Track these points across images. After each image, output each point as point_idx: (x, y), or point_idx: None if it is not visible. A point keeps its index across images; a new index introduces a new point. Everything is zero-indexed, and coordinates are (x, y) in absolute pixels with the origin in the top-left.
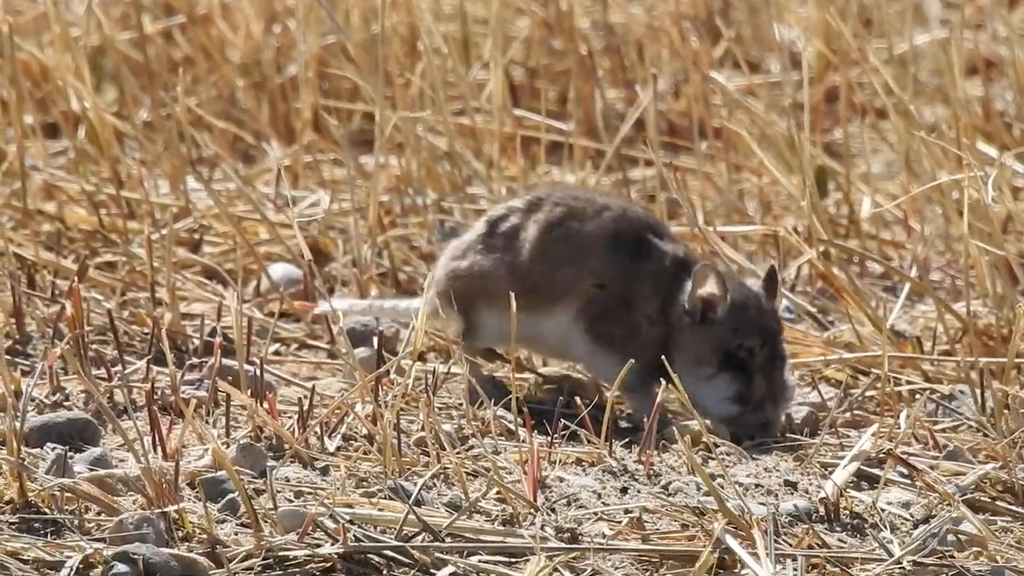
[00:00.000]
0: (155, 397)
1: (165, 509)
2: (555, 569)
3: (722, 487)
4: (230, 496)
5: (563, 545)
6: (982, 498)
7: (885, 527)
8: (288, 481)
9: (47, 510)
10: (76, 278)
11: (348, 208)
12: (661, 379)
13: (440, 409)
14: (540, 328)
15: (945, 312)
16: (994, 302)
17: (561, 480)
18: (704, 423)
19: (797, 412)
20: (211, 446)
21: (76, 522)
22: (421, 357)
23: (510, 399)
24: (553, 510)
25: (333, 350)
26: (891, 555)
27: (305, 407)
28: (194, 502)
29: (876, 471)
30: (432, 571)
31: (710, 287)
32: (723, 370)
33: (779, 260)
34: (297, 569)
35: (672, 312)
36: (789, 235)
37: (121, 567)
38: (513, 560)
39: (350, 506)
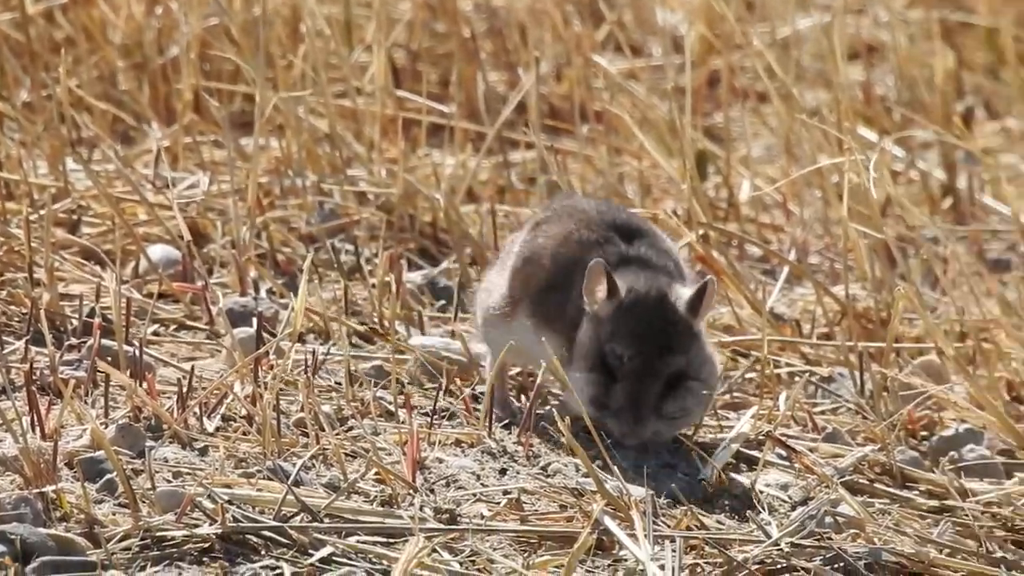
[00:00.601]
0: (33, 377)
1: (43, 489)
2: (433, 550)
3: (601, 468)
4: (108, 476)
5: (442, 526)
6: (860, 480)
7: (763, 509)
8: (167, 461)
9: None
10: None
11: (227, 189)
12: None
13: (319, 390)
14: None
15: (824, 295)
16: (873, 285)
17: (440, 461)
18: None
19: None
20: (90, 426)
21: None
22: (300, 338)
23: (389, 380)
24: (432, 491)
25: (212, 331)
26: (769, 537)
27: (184, 388)
28: (72, 482)
29: (755, 453)
30: (310, 552)
31: (598, 284)
32: (592, 370)
33: None
34: (175, 549)
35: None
36: (669, 218)
37: None
38: (392, 541)
39: (229, 486)
